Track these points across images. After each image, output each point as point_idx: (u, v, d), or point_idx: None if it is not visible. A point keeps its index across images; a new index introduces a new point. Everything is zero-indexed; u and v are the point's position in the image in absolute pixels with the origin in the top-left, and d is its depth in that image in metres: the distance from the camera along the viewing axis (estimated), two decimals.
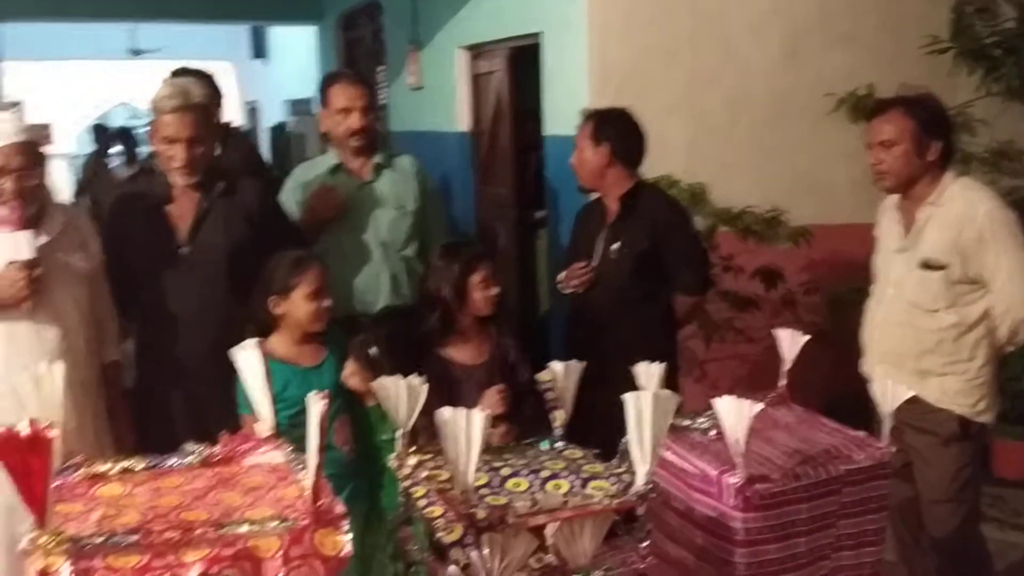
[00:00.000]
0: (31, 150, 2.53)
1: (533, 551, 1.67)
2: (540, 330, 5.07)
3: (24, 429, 1.29)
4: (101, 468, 1.66)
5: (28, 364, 2.44)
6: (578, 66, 4.22)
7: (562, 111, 4.40)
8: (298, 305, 2.73)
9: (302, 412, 2.49)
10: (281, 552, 1.41)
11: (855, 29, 4.48)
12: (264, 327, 2.72)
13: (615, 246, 3.24)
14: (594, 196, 3.43)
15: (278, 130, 9.43)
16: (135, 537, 1.37)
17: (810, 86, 4.40)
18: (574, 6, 4.22)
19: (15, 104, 4.71)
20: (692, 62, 4.30)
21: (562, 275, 3.34)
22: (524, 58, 5.01)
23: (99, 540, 1.36)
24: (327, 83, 3.43)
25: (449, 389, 2.69)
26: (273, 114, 11.60)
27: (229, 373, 2.69)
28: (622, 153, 3.24)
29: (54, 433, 1.30)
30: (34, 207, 2.56)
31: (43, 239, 2.56)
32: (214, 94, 3.39)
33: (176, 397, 2.86)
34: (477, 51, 5.56)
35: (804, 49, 4.43)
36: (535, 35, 4.63)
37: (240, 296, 2.85)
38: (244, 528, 1.42)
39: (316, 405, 1.46)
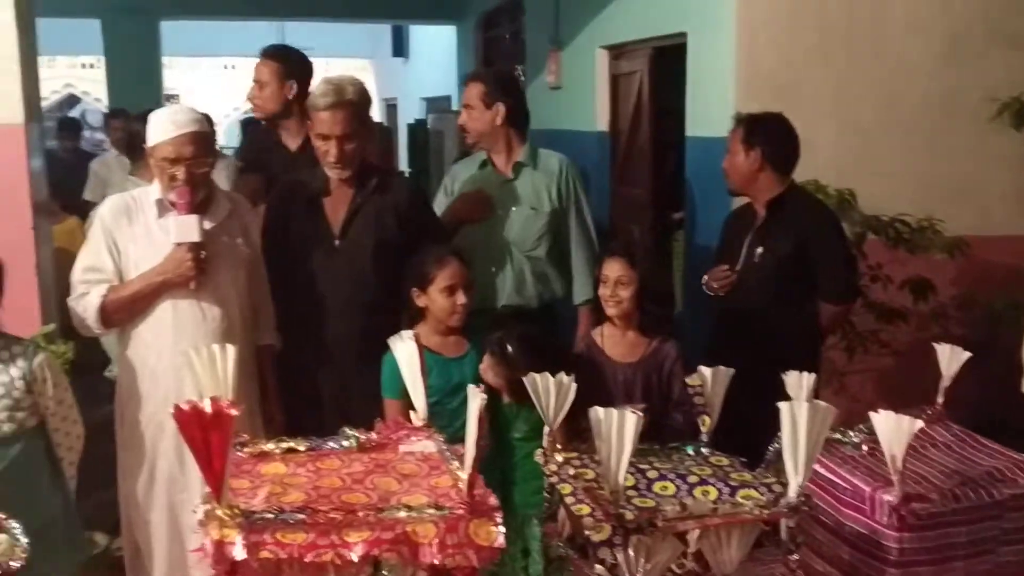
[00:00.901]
0: (201, 140, 2.67)
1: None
2: (673, 332, 5.00)
3: (207, 406, 1.37)
4: (266, 447, 1.74)
5: (192, 339, 2.64)
6: (725, 66, 4.14)
7: (706, 112, 4.33)
8: (434, 299, 2.79)
9: (440, 401, 2.58)
10: (437, 539, 1.45)
11: (1022, 29, 4.24)
12: (413, 317, 2.80)
13: (759, 250, 3.19)
14: (744, 203, 3.38)
15: (416, 127, 9.65)
16: (302, 516, 1.44)
17: (970, 89, 4.18)
18: (722, 5, 4.15)
19: (172, 97, 4.99)
20: (845, 62, 4.15)
21: (706, 276, 3.30)
22: (665, 58, 4.96)
23: (269, 516, 1.43)
24: (464, 82, 3.50)
25: (594, 379, 2.71)
26: (411, 111, 11.87)
27: (373, 359, 2.83)
28: (774, 158, 3.18)
29: (235, 412, 1.37)
30: (202, 194, 2.71)
31: (209, 224, 2.70)
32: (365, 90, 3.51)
33: (324, 380, 2.96)
34: (618, 51, 5.53)
35: (965, 50, 4.22)
36: (679, 35, 4.58)
37: (386, 287, 2.95)
38: (402, 513, 1.47)
39: (476, 399, 1.49)
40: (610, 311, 2.84)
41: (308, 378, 3.01)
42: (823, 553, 2.01)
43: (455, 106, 9.75)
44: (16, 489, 1.77)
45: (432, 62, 11.29)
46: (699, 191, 4.52)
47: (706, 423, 1.98)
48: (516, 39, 7.70)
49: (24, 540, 1.62)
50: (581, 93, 5.96)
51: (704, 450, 1.97)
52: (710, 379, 1.97)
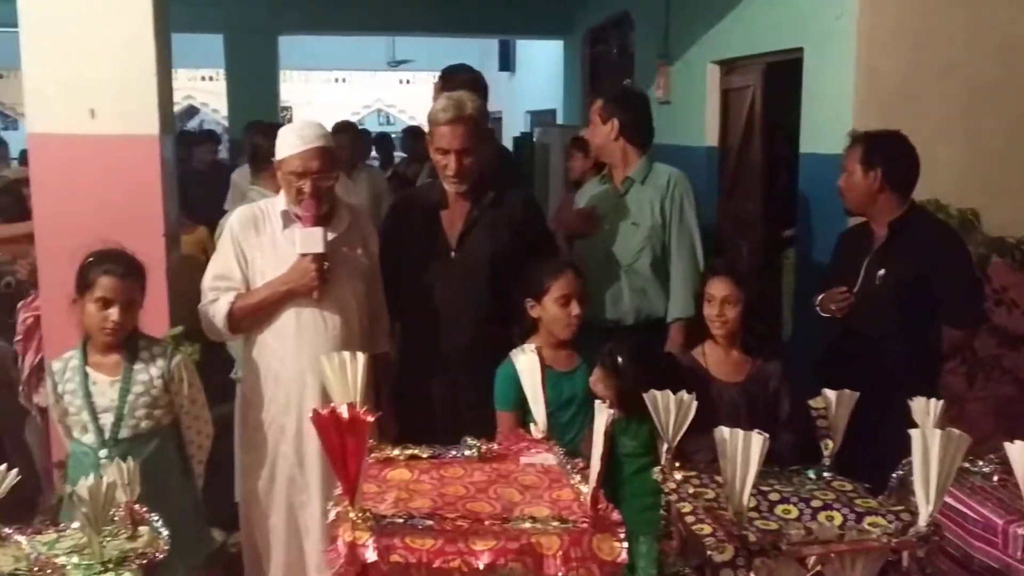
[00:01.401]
0: (328, 155, 2.77)
1: None
2: (783, 353, 4.91)
3: (344, 411, 1.43)
4: (391, 453, 1.79)
5: (314, 346, 2.74)
6: (843, 81, 4.06)
7: (822, 128, 4.24)
8: (549, 309, 2.81)
9: (551, 414, 2.59)
10: (561, 552, 1.47)
11: None
12: (526, 330, 2.83)
13: (880, 272, 3.10)
14: (859, 220, 3.29)
15: (522, 140, 9.73)
16: (430, 522, 1.47)
17: None
18: (841, 19, 4.07)
19: (286, 109, 5.17)
20: (970, 77, 4.01)
21: (819, 297, 3.23)
22: (778, 72, 4.88)
23: (399, 521, 1.47)
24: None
25: (699, 399, 2.69)
26: (516, 125, 11.97)
27: (485, 370, 2.88)
28: (894, 179, 3.10)
29: (370, 418, 1.42)
30: (326, 206, 2.80)
31: (332, 235, 2.79)
32: (483, 105, 3.57)
33: (436, 389, 3.01)
34: (729, 66, 5.48)
35: None
36: (794, 49, 4.51)
37: (499, 299, 2.99)
38: (527, 524, 1.49)
39: (602, 414, 1.51)
40: (716, 331, 2.81)
41: (420, 387, 3.07)
42: None
43: (560, 120, 9.80)
44: (151, 484, 1.86)
45: (538, 76, 11.37)
46: (812, 208, 4.43)
47: (829, 447, 1.94)
48: (624, 53, 7.69)
49: (165, 532, 1.70)
50: (690, 108, 5.92)
51: (826, 474, 1.93)
52: (834, 402, 1.93)
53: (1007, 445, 1.74)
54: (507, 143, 11.39)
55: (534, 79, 11.64)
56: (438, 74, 4.07)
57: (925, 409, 1.93)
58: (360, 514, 1.45)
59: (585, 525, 1.49)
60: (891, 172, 3.10)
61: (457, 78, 3.76)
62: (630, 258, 3.37)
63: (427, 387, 3.06)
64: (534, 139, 8.53)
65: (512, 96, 12.74)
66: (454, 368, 3.01)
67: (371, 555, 1.42)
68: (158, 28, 3.40)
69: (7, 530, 1.70)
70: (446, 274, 3.05)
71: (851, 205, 3.25)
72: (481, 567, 1.44)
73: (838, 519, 1.69)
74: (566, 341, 2.87)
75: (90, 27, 3.31)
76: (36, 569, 1.53)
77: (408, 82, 15.36)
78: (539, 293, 2.84)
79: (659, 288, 3.39)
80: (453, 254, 3.05)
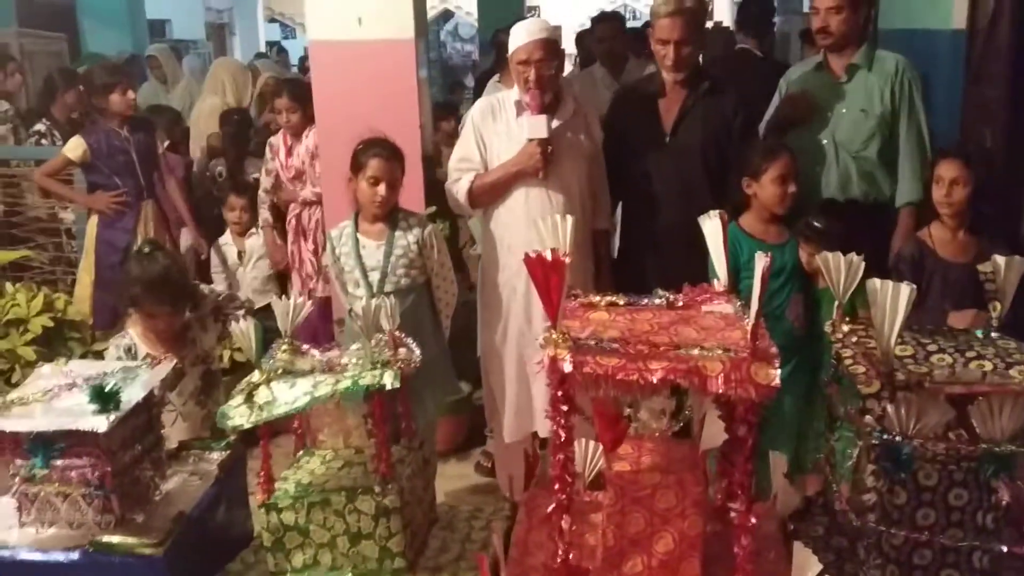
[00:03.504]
0: (549, 46, 3.12)
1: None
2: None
3: (548, 255, 1.80)
4: (593, 300, 2.16)
5: (541, 218, 3.13)
6: None
7: None
8: (765, 187, 3.05)
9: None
10: (723, 374, 1.78)
11: None
12: (739, 206, 3.09)
13: None
14: None
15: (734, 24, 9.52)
16: (616, 345, 1.83)
17: None
18: None
19: (532, 9, 5.51)
20: None
21: None
22: None
23: (591, 343, 1.84)
24: None
25: (920, 278, 2.86)
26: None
27: (698, 246, 3.14)
28: None
29: (567, 259, 1.79)
30: (550, 95, 3.16)
31: (557, 122, 3.15)
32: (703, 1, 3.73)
33: (652, 264, 3.34)
34: None
35: None
36: None
37: (711, 180, 3.25)
38: (696, 351, 1.81)
39: (761, 260, 1.77)
40: (943, 211, 2.92)
41: (637, 260, 3.41)
42: None
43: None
44: (409, 331, 2.31)
45: None
46: None
47: (996, 308, 2.08)
48: None
49: (417, 352, 2.18)
50: None
51: (993, 334, 2.08)
52: (1003, 266, 2.06)
53: None
54: None
55: None
56: None
57: None
58: (561, 335, 1.83)
59: (745, 354, 1.78)
60: None
61: None
62: (859, 145, 3.47)
63: (643, 261, 3.39)
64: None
65: None
66: (668, 244, 3.30)
67: (568, 367, 1.80)
68: None
69: (305, 346, 2.25)
70: (661, 158, 3.33)
71: None
72: (655, 381, 1.78)
73: (988, 366, 1.86)
74: (778, 216, 3.10)
75: None
76: (326, 368, 2.06)
77: None
78: (757, 172, 3.08)
79: (887, 173, 3.49)
80: (668, 139, 3.33)
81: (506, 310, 3.27)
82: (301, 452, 2.35)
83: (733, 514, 1.91)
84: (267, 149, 4.63)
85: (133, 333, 2.95)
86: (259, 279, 4.69)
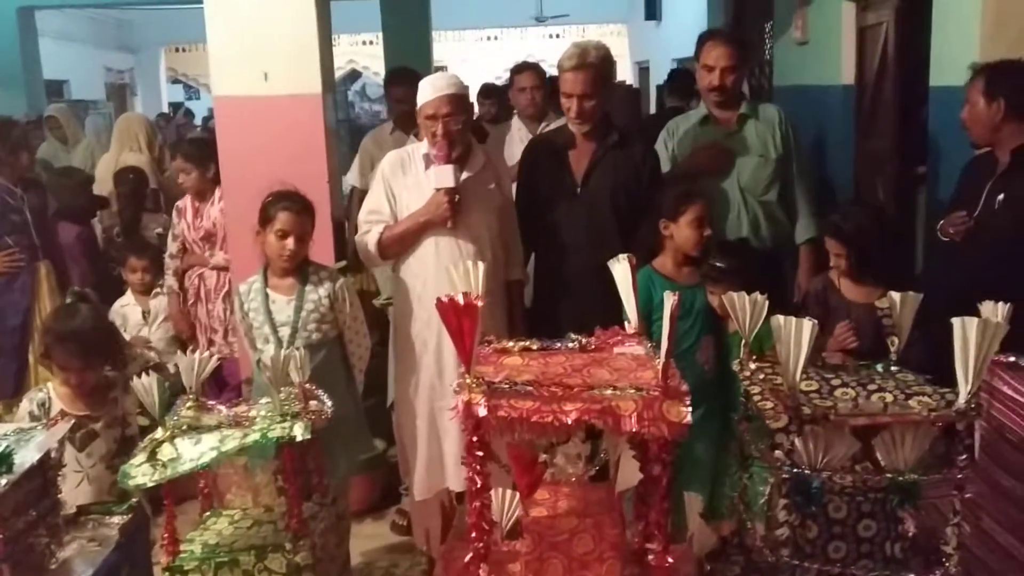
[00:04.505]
0: (456, 101, 3.15)
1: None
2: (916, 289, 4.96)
3: (460, 299, 1.80)
4: (507, 345, 2.16)
5: (452, 265, 3.14)
6: (971, 11, 4.07)
7: (951, 60, 4.25)
8: (682, 230, 3.14)
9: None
10: (636, 413, 1.80)
11: None
12: (653, 248, 3.17)
13: (1000, 197, 3.19)
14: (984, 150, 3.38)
15: (664, 87, 9.86)
16: (530, 388, 1.83)
17: None
18: None
19: (440, 69, 5.60)
20: None
21: (941, 222, 3.37)
22: (913, 8, 4.88)
23: (505, 387, 1.84)
24: (701, 40, 3.77)
25: (825, 314, 2.98)
26: (663, 72, 12.04)
27: (610, 291, 3.20)
28: (1018, 108, 3.15)
29: (480, 303, 1.79)
30: (459, 148, 3.18)
31: (466, 174, 3.18)
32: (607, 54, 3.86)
33: (566, 311, 3.35)
34: (865, 2, 5.48)
35: None
36: None
37: (621, 228, 3.32)
38: (608, 392, 1.83)
39: (669, 299, 1.81)
40: (840, 274, 3.08)
41: (551, 309, 3.43)
42: (1011, 470, 2.13)
43: None
44: (321, 387, 2.27)
45: (682, 24, 11.39)
46: (942, 144, 4.46)
47: (895, 343, 2.16)
48: None
49: (328, 404, 2.14)
50: (827, 47, 5.95)
51: (893, 368, 2.16)
52: (899, 302, 2.15)
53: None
54: (653, 92, 11.52)
55: (680, 26, 11.66)
56: (584, 27, 4.40)
57: (993, 309, 2.10)
58: (475, 380, 1.83)
59: (657, 393, 1.81)
60: (1014, 102, 3.16)
61: None
62: (761, 190, 3.66)
63: (556, 308, 3.41)
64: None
65: (659, 44, 12.81)
66: (581, 290, 3.33)
67: (482, 411, 1.80)
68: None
69: (211, 402, 2.18)
70: (572, 209, 3.39)
71: (975, 137, 3.32)
72: (569, 422, 1.78)
73: (889, 398, 1.93)
74: (692, 259, 3.18)
75: (262, 1, 3.81)
76: (233, 422, 2.00)
77: (557, 36, 15.61)
78: (675, 215, 3.16)
79: (787, 215, 3.71)
80: (579, 190, 3.39)
81: (417, 363, 3.24)
82: (208, 513, 2.26)
83: (650, 556, 1.92)
84: (174, 213, 4.54)
85: (51, 387, 2.86)
86: (164, 340, 4.55)
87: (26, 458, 1.96)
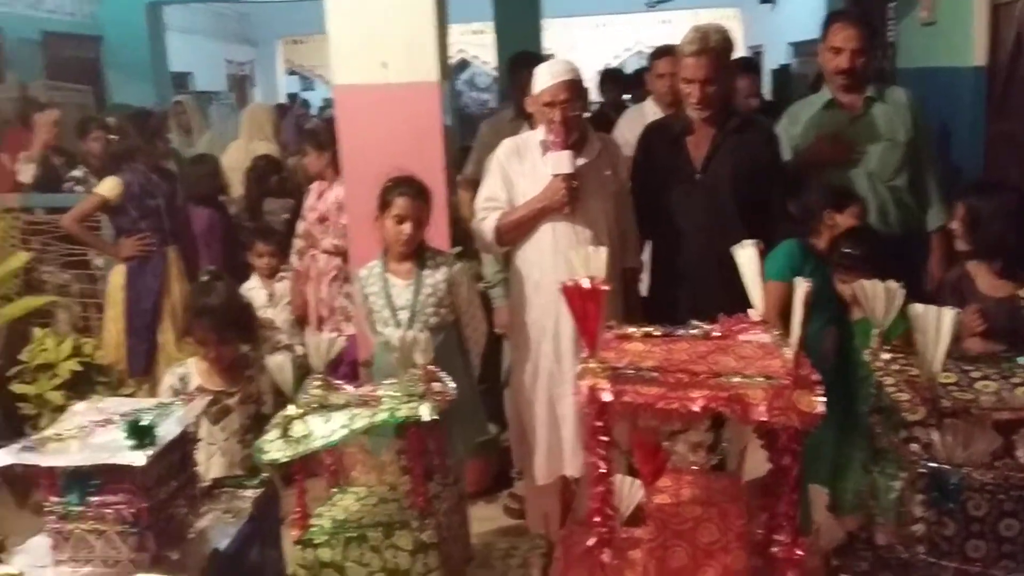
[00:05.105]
0: (573, 87, 3.14)
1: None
2: None
3: (585, 283, 1.80)
4: (629, 331, 2.14)
5: (568, 257, 3.13)
6: None
7: None
8: (848, 221, 3.18)
9: None
10: (765, 402, 1.75)
11: None
12: (818, 230, 3.23)
13: None
14: None
15: (780, 71, 9.61)
16: (655, 374, 1.81)
17: None
18: None
19: (550, 56, 5.59)
20: None
21: None
22: None
23: (631, 372, 1.82)
24: (828, 21, 3.65)
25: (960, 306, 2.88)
26: (777, 57, 11.74)
27: (728, 281, 3.14)
28: None
29: (606, 288, 1.78)
30: (576, 134, 3.17)
31: (582, 160, 3.17)
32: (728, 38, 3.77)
33: (684, 300, 3.30)
34: None
35: None
36: None
37: (741, 215, 3.25)
38: (737, 379, 1.79)
39: (802, 287, 1.76)
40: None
41: (669, 297, 3.39)
42: None
43: None
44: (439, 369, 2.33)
45: (800, 6, 11.06)
46: None
47: None
48: None
49: (452, 385, 2.17)
50: (956, 26, 5.66)
51: None
52: None
53: None
54: (766, 75, 11.25)
55: (796, 9, 11.33)
56: (697, 12, 4.32)
57: None
58: (600, 365, 1.82)
59: (787, 382, 1.76)
60: None
61: None
62: (890, 174, 3.54)
63: (674, 297, 3.37)
64: (791, 70, 8.42)
65: (773, 28, 12.47)
66: (700, 279, 3.28)
67: (607, 396, 1.79)
68: None
69: (337, 382, 2.24)
70: (691, 195, 3.33)
71: None
72: (696, 410, 1.76)
73: None
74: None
75: None
76: (360, 402, 2.05)
77: (668, 22, 15.38)
78: (841, 207, 3.23)
79: (917, 201, 3.58)
80: (698, 176, 3.33)
81: (535, 350, 3.25)
82: (335, 490, 2.33)
83: (777, 548, 1.87)
84: (306, 195, 4.71)
85: (192, 362, 3.01)
86: (288, 321, 4.70)
87: (168, 431, 2.05)
